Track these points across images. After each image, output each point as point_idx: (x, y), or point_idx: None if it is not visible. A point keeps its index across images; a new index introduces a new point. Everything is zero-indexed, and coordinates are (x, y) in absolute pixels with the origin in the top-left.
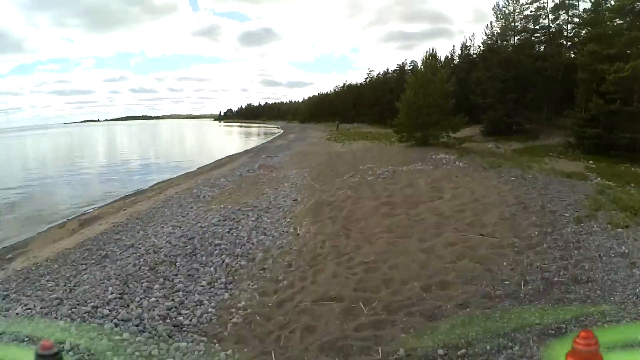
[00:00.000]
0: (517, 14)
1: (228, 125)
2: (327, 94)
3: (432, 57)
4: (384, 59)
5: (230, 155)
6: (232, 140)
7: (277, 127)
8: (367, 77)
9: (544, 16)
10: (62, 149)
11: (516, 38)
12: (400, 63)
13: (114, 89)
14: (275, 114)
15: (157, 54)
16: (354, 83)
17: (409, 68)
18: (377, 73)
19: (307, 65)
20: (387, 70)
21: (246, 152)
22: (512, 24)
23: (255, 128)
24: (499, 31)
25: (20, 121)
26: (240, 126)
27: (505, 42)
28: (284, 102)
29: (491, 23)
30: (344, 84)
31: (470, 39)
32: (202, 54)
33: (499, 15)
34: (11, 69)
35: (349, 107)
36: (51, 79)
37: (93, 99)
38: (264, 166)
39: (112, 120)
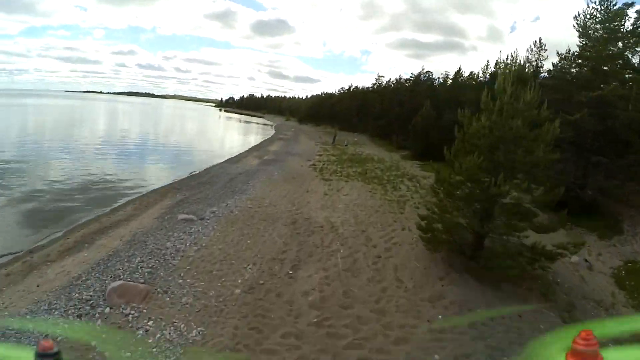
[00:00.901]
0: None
1: (228, 118)
2: (330, 95)
3: (512, 65)
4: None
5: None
6: (206, 142)
7: (271, 126)
8: (376, 83)
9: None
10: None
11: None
12: (414, 73)
13: (122, 62)
14: (275, 108)
15: (168, 32)
16: (361, 87)
17: (423, 78)
18: (388, 80)
19: (316, 62)
20: (400, 78)
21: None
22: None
23: (251, 123)
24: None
25: (24, 84)
26: (239, 120)
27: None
28: (287, 97)
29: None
30: (350, 87)
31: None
32: (214, 37)
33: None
34: (20, 31)
35: (353, 113)
36: (59, 44)
37: (99, 70)
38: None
39: (115, 94)
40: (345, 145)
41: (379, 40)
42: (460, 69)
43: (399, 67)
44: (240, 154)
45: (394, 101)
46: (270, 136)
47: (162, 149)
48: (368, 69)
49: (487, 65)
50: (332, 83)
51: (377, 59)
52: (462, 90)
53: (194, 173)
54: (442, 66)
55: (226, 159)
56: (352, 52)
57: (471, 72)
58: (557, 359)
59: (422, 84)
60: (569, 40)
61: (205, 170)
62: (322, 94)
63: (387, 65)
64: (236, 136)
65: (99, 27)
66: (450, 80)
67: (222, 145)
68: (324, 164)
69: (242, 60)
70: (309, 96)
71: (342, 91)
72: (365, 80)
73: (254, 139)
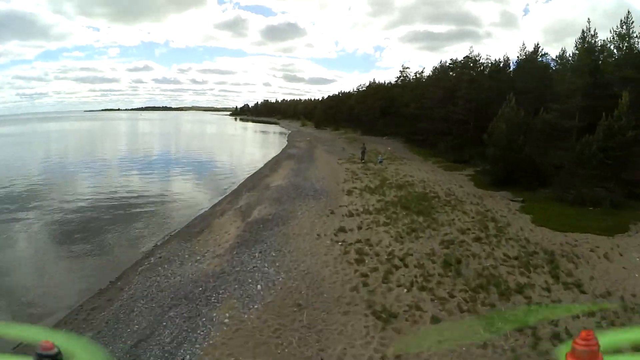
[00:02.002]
0: None
1: (242, 128)
2: (348, 95)
3: None
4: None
5: None
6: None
7: (284, 135)
8: (400, 77)
9: None
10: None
11: None
12: (455, 59)
13: (138, 78)
14: (291, 112)
15: (181, 45)
16: (383, 82)
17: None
18: (417, 72)
19: (330, 62)
20: (443, 64)
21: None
22: None
23: (262, 134)
24: None
25: (44, 107)
26: (253, 129)
27: None
28: (302, 99)
29: None
30: (370, 83)
31: None
32: (226, 46)
33: None
34: (36, 55)
35: (376, 114)
36: (76, 66)
37: (117, 88)
38: None
39: (133, 110)
40: (380, 163)
41: (390, 35)
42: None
43: (414, 61)
44: (217, 204)
45: (434, 97)
46: (278, 153)
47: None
48: (382, 65)
49: (538, 47)
50: (347, 82)
51: (391, 54)
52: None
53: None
54: (458, 56)
55: (183, 225)
56: (365, 50)
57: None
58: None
59: (466, 72)
60: (583, 18)
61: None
62: (339, 93)
63: (401, 60)
64: (235, 157)
65: (113, 45)
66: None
67: (203, 180)
68: (360, 217)
69: (256, 66)
70: (325, 97)
71: (360, 89)
72: (381, 77)
73: (254, 160)
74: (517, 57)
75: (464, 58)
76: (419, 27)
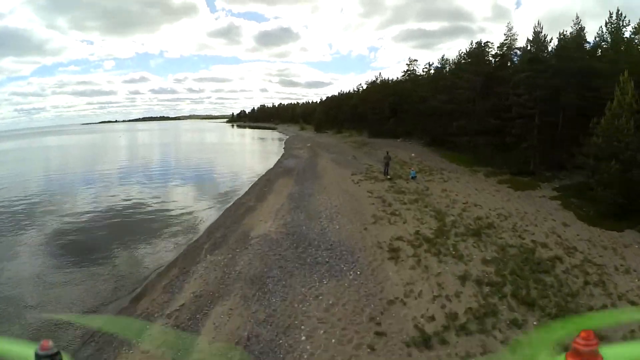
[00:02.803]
0: None
1: (235, 135)
2: (349, 94)
3: None
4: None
5: None
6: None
7: (281, 141)
8: (408, 71)
9: None
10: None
11: None
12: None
13: (135, 89)
14: (289, 116)
15: (176, 55)
16: (388, 78)
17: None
18: (429, 64)
19: (325, 65)
20: (476, 46)
21: None
22: None
23: (258, 140)
24: None
25: (42, 121)
26: (249, 136)
27: None
28: (300, 103)
29: None
30: (376, 77)
31: None
32: (221, 54)
33: None
34: (32, 71)
35: (385, 113)
36: (72, 80)
37: (114, 100)
38: None
39: (130, 121)
40: (413, 178)
41: (384, 35)
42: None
43: (407, 60)
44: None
45: (471, 86)
46: (272, 166)
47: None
48: (377, 66)
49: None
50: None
51: (385, 54)
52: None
53: None
54: (452, 53)
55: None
56: (359, 51)
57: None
58: (557, 359)
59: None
60: (574, 9)
61: None
62: (339, 93)
63: (396, 59)
64: (215, 175)
65: (108, 58)
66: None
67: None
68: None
69: (251, 73)
70: (323, 99)
71: (360, 88)
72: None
73: (237, 179)
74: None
75: (505, 35)
76: (412, 26)
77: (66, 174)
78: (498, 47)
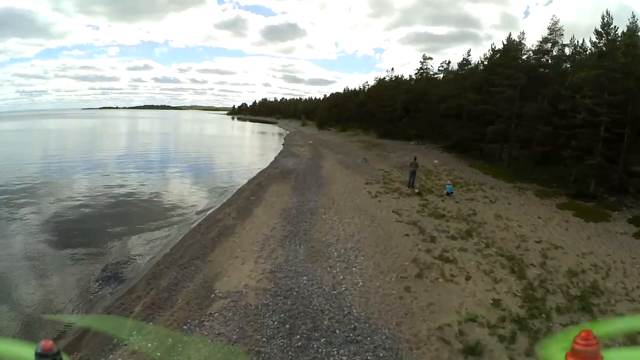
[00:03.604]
0: None
1: (234, 127)
2: (355, 92)
3: None
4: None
5: None
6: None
7: (281, 137)
8: (421, 69)
9: None
10: None
11: None
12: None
13: (138, 77)
14: (291, 112)
15: (181, 44)
16: (401, 76)
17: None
18: (447, 62)
19: (330, 64)
20: (497, 50)
21: None
22: None
23: (258, 134)
24: None
25: (44, 104)
26: (248, 130)
27: None
28: (302, 98)
29: None
30: (388, 73)
31: None
32: (226, 46)
33: None
34: (36, 53)
35: (397, 113)
36: (76, 64)
37: (117, 86)
38: None
39: (132, 108)
40: (449, 194)
41: (391, 36)
42: None
43: (414, 62)
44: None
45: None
46: (267, 165)
47: None
48: (382, 67)
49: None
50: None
51: (391, 56)
52: None
53: None
54: (457, 58)
55: None
56: (365, 51)
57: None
58: (557, 359)
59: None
60: (583, 20)
61: None
62: (344, 90)
63: (402, 61)
64: (198, 176)
65: (113, 44)
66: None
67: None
68: None
69: (255, 67)
70: (327, 95)
71: (367, 86)
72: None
73: (220, 183)
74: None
75: (549, 30)
76: (419, 29)
77: (52, 159)
78: (540, 42)
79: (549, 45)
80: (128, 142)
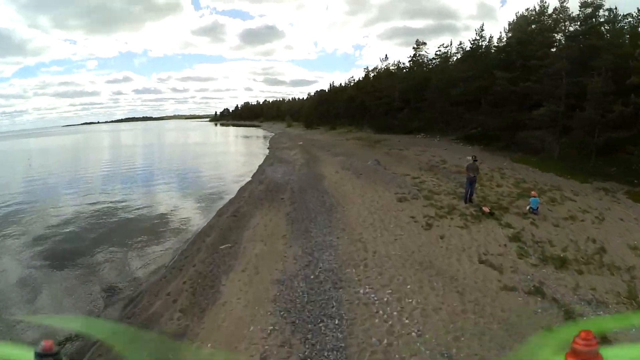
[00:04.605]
0: None
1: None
2: (342, 88)
3: None
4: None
5: None
6: None
7: (265, 140)
8: (415, 55)
9: None
10: None
11: None
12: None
13: (118, 89)
14: (274, 114)
15: (159, 54)
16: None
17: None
18: (442, 45)
19: (310, 63)
20: (530, 13)
21: None
22: None
23: (233, 142)
24: None
25: (24, 124)
26: (230, 135)
27: None
28: (285, 99)
29: None
30: (382, 63)
31: None
32: (205, 53)
33: None
34: (14, 72)
35: (395, 104)
36: (55, 81)
37: (98, 101)
38: None
39: (113, 122)
40: (534, 211)
41: (369, 32)
42: None
43: (393, 57)
44: None
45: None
46: (249, 178)
47: None
48: (362, 64)
49: None
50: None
51: (370, 52)
52: None
53: None
54: (431, 51)
55: None
56: (344, 49)
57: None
58: (556, 359)
59: None
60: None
61: None
62: (330, 86)
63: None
64: (145, 209)
65: (91, 58)
66: None
67: None
68: None
69: (236, 72)
70: (312, 94)
71: (353, 80)
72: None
73: (181, 217)
74: None
75: None
76: (397, 24)
77: (33, 180)
78: (580, 6)
79: (590, 10)
80: (98, 160)
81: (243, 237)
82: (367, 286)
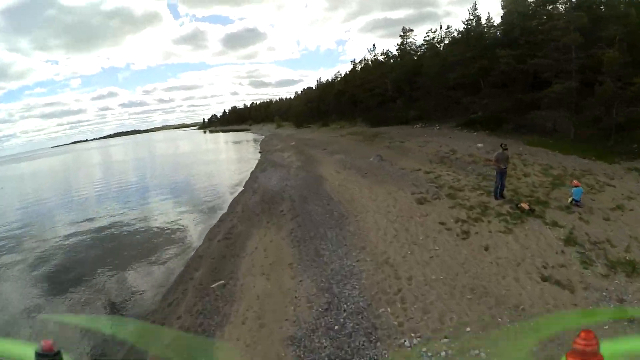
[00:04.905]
0: None
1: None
2: (329, 83)
3: None
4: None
5: None
6: None
7: (256, 143)
8: (403, 43)
9: None
10: None
11: None
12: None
13: (104, 105)
14: (263, 115)
15: (143, 66)
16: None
17: None
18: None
19: (294, 63)
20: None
21: None
22: None
23: (220, 146)
24: None
25: (13, 148)
26: (218, 141)
27: None
28: (273, 100)
29: None
30: (370, 53)
31: None
32: (188, 61)
33: None
34: None
35: (388, 94)
36: (40, 102)
37: (85, 118)
38: None
39: (102, 138)
40: (576, 203)
41: (350, 27)
42: None
43: (379, 48)
44: None
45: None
46: (241, 189)
47: None
48: (346, 59)
49: None
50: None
51: (353, 47)
52: None
53: None
54: (419, 39)
55: None
56: (327, 46)
57: None
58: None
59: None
60: None
61: None
62: (317, 82)
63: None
64: (144, 233)
65: (74, 76)
66: None
67: None
68: None
69: (220, 77)
70: (299, 92)
71: (340, 75)
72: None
73: (152, 261)
74: None
75: None
76: (378, 16)
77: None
78: None
79: None
80: (81, 181)
81: (239, 269)
82: (412, 333)
